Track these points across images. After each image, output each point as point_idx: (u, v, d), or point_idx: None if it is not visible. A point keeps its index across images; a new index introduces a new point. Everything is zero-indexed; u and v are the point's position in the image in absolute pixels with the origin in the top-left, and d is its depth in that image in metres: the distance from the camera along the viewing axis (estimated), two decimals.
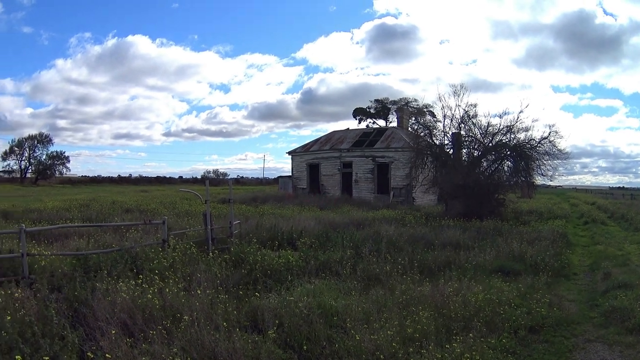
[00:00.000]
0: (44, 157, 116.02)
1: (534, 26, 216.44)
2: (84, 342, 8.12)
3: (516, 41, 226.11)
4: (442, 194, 41.93)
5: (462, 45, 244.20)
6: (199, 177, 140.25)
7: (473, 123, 37.97)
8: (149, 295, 9.79)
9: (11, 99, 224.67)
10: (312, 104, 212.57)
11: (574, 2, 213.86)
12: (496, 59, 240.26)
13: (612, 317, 11.68)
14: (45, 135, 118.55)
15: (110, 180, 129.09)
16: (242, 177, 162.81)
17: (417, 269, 15.25)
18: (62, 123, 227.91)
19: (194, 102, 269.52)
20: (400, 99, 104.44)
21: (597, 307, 12.89)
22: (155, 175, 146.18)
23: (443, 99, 38.63)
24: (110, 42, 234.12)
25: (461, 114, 37.89)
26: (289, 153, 62.73)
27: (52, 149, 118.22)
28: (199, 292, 10.42)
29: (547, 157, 35.40)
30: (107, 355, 7.36)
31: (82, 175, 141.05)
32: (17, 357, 7.00)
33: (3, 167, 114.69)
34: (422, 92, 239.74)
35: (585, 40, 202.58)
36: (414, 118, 59.65)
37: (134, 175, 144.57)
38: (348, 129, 66.91)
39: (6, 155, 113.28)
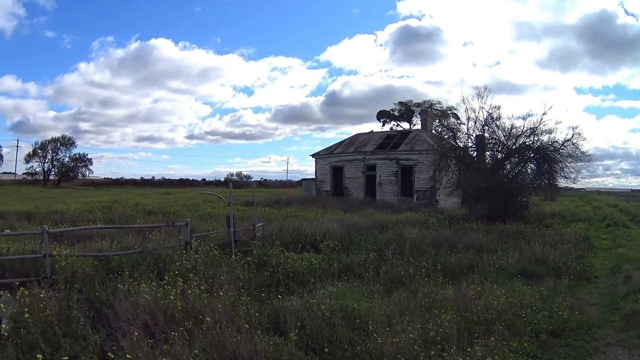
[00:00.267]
0: (67, 159, 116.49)
1: (556, 27, 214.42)
2: (105, 342, 8.18)
3: (539, 42, 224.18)
4: (466, 196, 41.69)
5: (485, 47, 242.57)
6: (222, 179, 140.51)
7: (497, 125, 37.72)
8: (171, 297, 9.82)
9: (34, 102, 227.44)
10: (335, 106, 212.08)
11: (596, 2, 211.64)
12: (519, 60, 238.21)
13: (632, 321, 11.53)
14: (68, 138, 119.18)
15: (133, 183, 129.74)
16: (266, 179, 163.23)
17: (440, 272, 15.11)
18: (84, 126, 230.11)
19: (217, 105, 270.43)
20: (424, 101, 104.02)
21: (617, 311, 12.73)
22: (178, 178, 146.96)
23: (467, 101, 38.50)
24: (133, 45, 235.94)
25: (485, 116, 37.68)
26: (313, 156, 62.77)
27: (74, 151, 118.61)
28: (221, 294, 10.46)
29: (570, 159, 35.04)
30: (127, 355, 7.40)
31: (104, 178, 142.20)
32: (37, 356, 7.08)
33: (26, 169, 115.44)
34: (446, 95, 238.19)
35: (607, 41, 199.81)
36: (437, 120, 59.60)
37: (157, 177, 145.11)
38: (372, 131, 66.92)
39: (29, 158, 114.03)
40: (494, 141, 38.14)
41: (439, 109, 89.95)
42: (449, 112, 77.76)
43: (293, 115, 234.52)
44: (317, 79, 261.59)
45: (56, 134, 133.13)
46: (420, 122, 71.41)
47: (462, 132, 39.76)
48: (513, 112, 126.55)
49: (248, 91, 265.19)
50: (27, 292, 9.51)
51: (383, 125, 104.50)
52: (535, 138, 36.35)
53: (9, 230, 18.54)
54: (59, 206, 37.69)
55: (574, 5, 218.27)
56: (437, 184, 43.56)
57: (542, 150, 35.72)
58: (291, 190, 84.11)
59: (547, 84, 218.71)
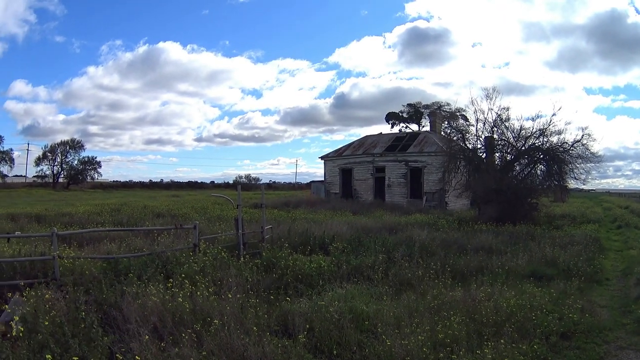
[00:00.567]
0: (76, 162, 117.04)
1: (565, 27, 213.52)
2: (114, 343, 8.21)
3: (548, 43, 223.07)
4: (475, 198, 41.60)
5: (494, 48, 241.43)
6: (231, 182, 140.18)
7: (506, 126, 37.62)
8: (179, 299, 9.83)
9: (44, 106, 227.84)
10: (344, 108, 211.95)
11: (606, 1, 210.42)
12: (528, 61, 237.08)
13: None
14: (77, 141, 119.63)
15: (141, 185, 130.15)
16: (275, 182, 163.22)
17: (449, 274, 15.12)
18: (93, 129, 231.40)
19: (226, 108, 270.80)
20: (433, 103, 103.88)
21: (629, 314, 12.56)
22: (186, 180, 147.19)
23: (476, 102, 38.50)
24: (141, 49, 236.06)
25: (494, 118, 37.59)
26: (322, 158, 62.79)
27: (83, 154, 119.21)
28: (229, 296, 10.44)
29: (580, 160, 34.84)
30: (136, 357, 7.43)
31: (113, 180, 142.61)
32: (47, 356, 7.14)
33: (36, 172, 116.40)
34: (455, 96, 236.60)
35: (618, 41, 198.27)
36: (446, 122, 59.41)
37: (166, 180, 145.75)
38: (381, 133, 66.99)
39: (39, 161, 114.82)
40: (503, 142, 38.03)
41: (447, 110, 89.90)
42: (457, 113, 77.74)
43: (302, 118, 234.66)
44: (326, 81, 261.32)
45: (65, 137, 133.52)
46: (429, 124, 71.44)
47: (471, 134, 39.76)
48: (522, 113, 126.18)
49: (257, 93, 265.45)
50: (35, 294, 9.55)
51: (392, 127, 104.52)
52: (545, 139, 36.25)
53: (19, 232, 18.66)
54: (68, 209, 37.83)
55: (584, 5, 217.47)
56: (446, 186, 43.56)
57: (551, 151, 35.60)
58: (300, 193, 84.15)
59: (557, 84, 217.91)
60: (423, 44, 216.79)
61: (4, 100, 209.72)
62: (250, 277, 13.20)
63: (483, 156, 39.02)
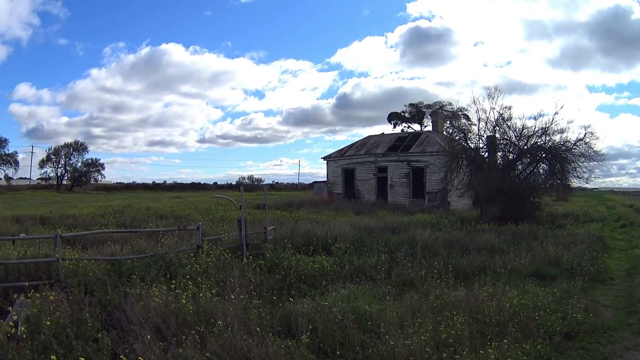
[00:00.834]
0: (80, 164, 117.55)
1: (568, 25, 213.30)
2: (117, 344, 8.23)
3: (550, 41, 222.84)
4: (478, 197, 41.46)
5: (496, 47, 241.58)
6: (233, 183, 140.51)
7: (508, 126, 37.63)
8: (182, 300, 9.84)
9: (47, 109, 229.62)
10: (347, 109, 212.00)
11: None
12: (531, 59, 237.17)
13: None
14: (81, 143, 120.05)
15: (144, 187, 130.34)
16: (277, 182, 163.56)
17: (451, 274, 15.12)
18: (97, 131, 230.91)
19: (229, 109, 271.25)
20: (435, 102, 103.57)
21: (635, 314, 12.47)
22: (189, 182, 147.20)
23: (478, 102, 38.53)
24: (144, 50, 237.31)
25: (496, 117, 37.66)
26: (324, 158, 62.89)
27: (87, 156, 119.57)
28: (232, 297, 10.44)
29: (583, 159, 34.87)
30: (140, 358, 7.44)
31: (116, 182, 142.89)
32: (52, 357, 7.19)
33: (41, 175, 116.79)
34: (457, 95, 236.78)
35: (622, 38, 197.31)
36: (448, 122, 59.49)
37: (169, 181, 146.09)
38: (383, 133, 66.96)
39: (43, 163, 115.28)
40: (505, 142, 38.01)
41: (450, 110, 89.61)
42: (459, 113, 77.45)
43: (304, 118, 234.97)
44: (328, 82, 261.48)
45: (69, 140, 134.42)
46: (431, 124, 71.43)
47: (473, 133, 39.87)
48: (524, 112, 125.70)
49: (259, 94, 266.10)
50: (40, 295, 9.58)
51: (394, 127, 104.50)
52: (547, 138, 36.30)
53: (24, 234, 18.72)
54: (72, 211, 37.99)
55: (586, 2, 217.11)
56: (448, 186, 43.43)
57: (554, 150, 35.58)
58: (303, 193, 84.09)
59: (559, 83, 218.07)
60: (425, 44, 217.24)
61: (9, 103, 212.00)
62: (254, 277, 13.22)
63: (485, 155, 39.09)
